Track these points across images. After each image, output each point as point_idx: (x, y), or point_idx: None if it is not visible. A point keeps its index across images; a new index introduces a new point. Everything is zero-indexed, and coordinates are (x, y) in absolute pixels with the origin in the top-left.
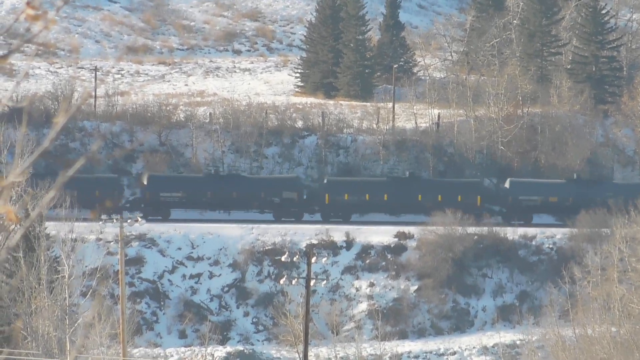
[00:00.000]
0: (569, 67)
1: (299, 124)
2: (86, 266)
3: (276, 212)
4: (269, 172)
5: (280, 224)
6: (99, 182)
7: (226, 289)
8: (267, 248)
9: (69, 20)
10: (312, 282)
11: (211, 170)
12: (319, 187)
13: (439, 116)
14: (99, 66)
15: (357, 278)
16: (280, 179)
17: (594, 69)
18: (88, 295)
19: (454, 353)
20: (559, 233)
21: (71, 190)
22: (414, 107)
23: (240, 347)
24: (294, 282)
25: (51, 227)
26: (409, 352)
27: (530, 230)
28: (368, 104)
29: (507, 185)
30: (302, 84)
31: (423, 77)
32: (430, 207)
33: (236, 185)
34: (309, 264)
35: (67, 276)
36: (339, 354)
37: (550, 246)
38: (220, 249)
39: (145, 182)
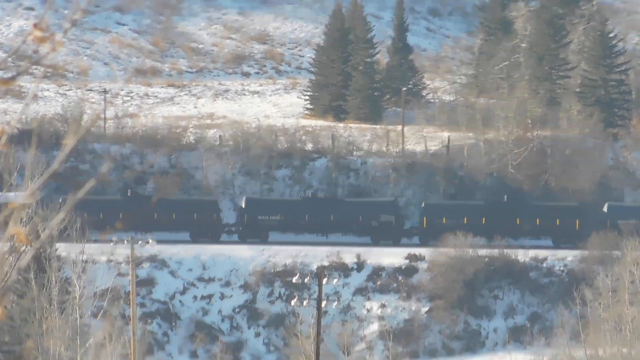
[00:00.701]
0: (578, 90)
1: (309, 146)
2: (97, 287)
3: (374, 236)
4: (280, 195)
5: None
6: (198, 205)
7: (237, 309)
8: (278, 269)
9: (77, 42)
10: (323, 303)
11: (309, 194)
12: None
13: (448, 139)
14: (107, 88)
15: (368, 299)
16: (378, 203)
17: (603, 92)
18: (99, 316)
19: None
20: (570, 255)
21: (170, 211)
22: (424, 130)
23: None
24: (305, 303)
25: (62, 249)
26: None
27: (541, 253)
28: (377, 126)
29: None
30: (311, 107)
31: (432, 100)
32: (530, 230)
33: (334, 208)
34: (320, 285)
35: (78, 297)
36: None
37: (561, 268)
38: (232, 270)
39: (243, 205)
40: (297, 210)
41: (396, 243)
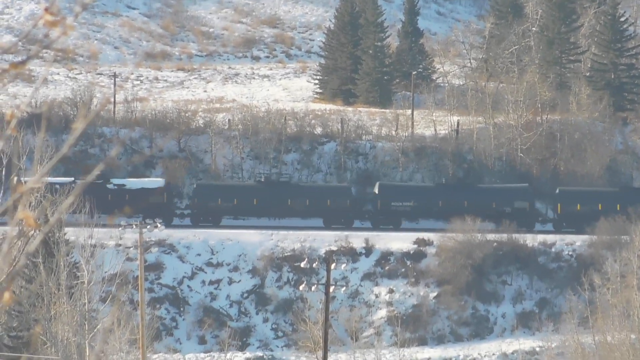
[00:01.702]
0: (588, 74)
1: (318, 130)
2: (105, 272)
3: (504, 222)
4: (288, 178)
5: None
6: (331, 191)
7: (245, 295)
8: (286, 254)
9: (88, 26)
10: (331, 289)
11: (442, 180)
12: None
13: (458, 123)
14: (117, 72)
15: (377, 284)
16: (512, 189)
17: (612, 77)
18: (107, 301)
19: (474, 359)
20: (579, 240)
21: (303, 198)
22: (433, 114)
23: (260, 353)
24: (313, 288)
25: (71, 233)
26: (428, 358)
27: (550, 237)
28: (387, 110)
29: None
30: (320, 91)
31: (442, 84)
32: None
33: (467, 194)
34: (328, 270)
35: (86, 282)
36: None
37: (570, 253)
38: (240, 255)
39: (376, 192)
40: (430, 197)
41: (530, 229)
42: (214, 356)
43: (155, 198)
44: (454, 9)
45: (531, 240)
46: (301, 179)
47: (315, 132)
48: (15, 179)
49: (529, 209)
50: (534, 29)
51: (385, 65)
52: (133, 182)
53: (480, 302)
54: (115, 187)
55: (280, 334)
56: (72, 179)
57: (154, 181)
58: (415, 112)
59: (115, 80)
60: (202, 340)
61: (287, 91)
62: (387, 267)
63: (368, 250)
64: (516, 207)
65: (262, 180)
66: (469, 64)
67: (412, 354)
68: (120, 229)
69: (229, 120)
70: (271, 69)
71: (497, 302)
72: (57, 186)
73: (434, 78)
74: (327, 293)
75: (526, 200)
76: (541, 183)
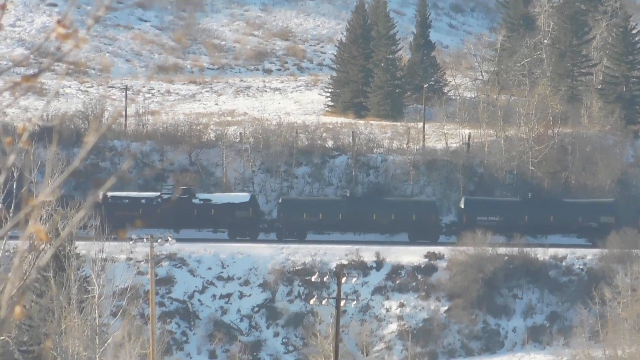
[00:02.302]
0: (599, 87)
1: (329, 143)
2: (116, 286)
3: (591, 237)
4: (298, 193)
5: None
6: (417, 205)
7: (256, 309)
8: (297, 268)
9: (99, 39)
10: (342, 303)
11: (528, 195)
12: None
13: (469, 136)
14: (129, 85)
15: (387, 298)
16: (598, 204)
17: (624, 89)
18: (118, 315)
19: None
20: (589, 254)
21: (388, 212)
22: (445, 127)
23: None
24: (324, 302)
25: (81, 247)
26: None
27: (561, 251)
28: (398, 123)
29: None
30: (332, 104)
31: (453, 97)
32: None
33: (553, 209)
34: (339, 284)
35: (97, 296)
36: None
37: (581, 267)
38: (251, 269)
39: (462, 206)
40: (516, 212)
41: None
42: None
43: (241, 213)
44: (465, 22)
45: (542, 253)
46: (387, 194)
47: (327, 146)
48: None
49: (615, 223)
50: (545, 41)
51: (396, 78)
52: (219, 197)
53: (491, 316)
54: (201, 202)
55: (291, 348)
56: (159, 193)
57: (240, 196)
58: (426, 125)
59: (126, 93)
60: (212, 355)
61: (298, 104)
62: (397, 281)
63: (379, 264)
64: (602, 222)
65: (348, 195)
66: (480, 77)
67: None
68: (131, 242)
69: (240, 133)
70: (283, 82)
71: (508, 316)
72: (143, 201)
73: (446, 91)
74: (337, 307)
75: (612, 215)
76: (553, 195)
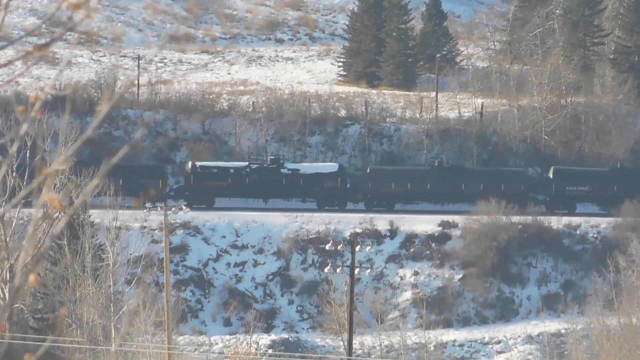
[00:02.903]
0: (612, 57)
1: (342, 113)
2: (131, 254)
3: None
4: (312, 160)
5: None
6: (506, 175)
7: (270, 277)
8: (311, 236)
9: (111, 8)
10: (356, 271)
11: (617, 164)
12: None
13: (482, 105)
14: (141, 55)
15: (402, 267)
16: None
17: (637, 59)
18: (133, 283)
19: (499, 342)
20: (604, 222)
21: (477, 182)
22: (457, 97)
23: (285, 335)
24: (338, 270)
25: (96, 215)
26: (454, 340)
27: (575, 220)
28: (411, 93)
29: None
30: (344, 73)
31: (466, 67)
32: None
33: None
34: (353, 252)
35: (111, 264)
36: (383, 342)
37: (595, 235)
38: (265, 237)
39: (551, 176)
40: (606, 181)
41: None
42: (239, 338)
43: (330, 183)
44: None
45: (556, 222)
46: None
47: (340, 115)
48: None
49: None
50: (557, 11)
51: (409, 47)
52: (307, 167)
53: (506, 284)
54: (290, 171)
55: (305, 316)
56: (247, 163)
57: (328, 165)
58: (439, 95)
59: (139, 63)
60: (227, 322)
61: (310, 74)
62: (412, 250)
63: (393, 232)
64: None
65: (436, 164)
66: (492, 47)
67: (437, 336)
68: (145, 211)
69: (252, 102)
70: (295, 52)
71: (522, 285)
72: (232, 170)
73: (458, 61)
74: (352, 275)
75: None
76: (565, 164)
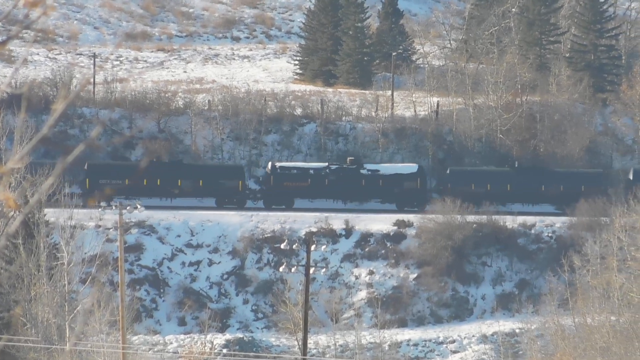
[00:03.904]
0: (567, 55)
1: (298, 111)
2: (85, 253)
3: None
4: (268, 159)
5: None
6: (585, 177)
7: (225, 276)
8: (266, 235)
9: (67, 6)
10: (311, 270)
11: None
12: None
13: (438, 104)
14: (97, 53)
15: (357, 266)
16: None
17: (592, 58)
18: (87, 282)
19: (453, 341)
20: (559, 222)
21: (557, 184)
22: (413, 95)
23: (240, 335)
24: (293, 269)
25: (50, 214)
26: (409, 340)
27: (530, 219)
28: (367, 91)
29: (630, 175)
30: (301, 72)
31: (422, 65)
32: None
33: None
34: (308, 251)
35: (66, 263)
36: (338, 341)
37: (550, 235)
38: (220, 237)
39: (630, 177)
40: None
41: None
42: (194, 337)
43: (409, 184)
44: None
45: (511, 221)
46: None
47: (296, 113)
48: None
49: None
50: (514, 10)
51: (365, 46)
52: (387, 167)
53: (460, 283)
54: (369, 172)
55: (260, 315)
56: (326, 164)
57: (408, 166)
58: (395, 93)
59: (95, 61)
60: (182, 322)
61: (267, 72)
62: (367, 249)
63: (348, 231)
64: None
65: (516, 165)
66: (449, 45)
67: (392, 335)
68: (100, 210)
69: (208, 101)
70: (251, 50)
71: (477, 284)
72: (311, 171)
73: (414, 59)
74: (307, 274)
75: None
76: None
